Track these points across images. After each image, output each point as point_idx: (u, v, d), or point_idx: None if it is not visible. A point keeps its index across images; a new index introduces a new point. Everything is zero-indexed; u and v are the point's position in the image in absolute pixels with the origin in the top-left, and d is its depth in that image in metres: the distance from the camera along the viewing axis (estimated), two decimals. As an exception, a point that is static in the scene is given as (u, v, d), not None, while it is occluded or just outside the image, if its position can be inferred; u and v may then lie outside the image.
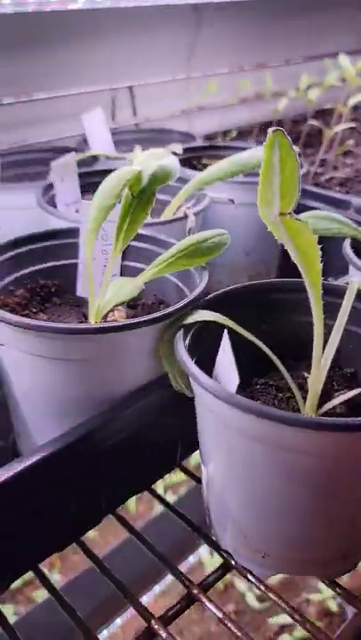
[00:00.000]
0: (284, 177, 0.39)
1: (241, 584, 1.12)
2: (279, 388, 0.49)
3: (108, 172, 0.79)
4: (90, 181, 0.78)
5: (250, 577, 0.47)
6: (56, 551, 0.49)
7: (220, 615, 0.44)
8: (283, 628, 1.06)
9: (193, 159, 0.91)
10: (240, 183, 0.73)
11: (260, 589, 0.47)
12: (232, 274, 0.84)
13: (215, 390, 0.37)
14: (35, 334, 0.43)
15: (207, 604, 0.45)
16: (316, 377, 0.45)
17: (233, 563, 0.48)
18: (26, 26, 1.04)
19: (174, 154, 0.89)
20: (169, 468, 0.58)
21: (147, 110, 1.33)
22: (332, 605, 1.11)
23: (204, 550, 1.14)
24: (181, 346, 0.42)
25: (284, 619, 1.07)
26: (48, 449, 0.42)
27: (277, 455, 0.38)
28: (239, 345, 0.46)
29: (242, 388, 0.50)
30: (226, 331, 0.41)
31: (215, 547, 0.50)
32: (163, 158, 0.54)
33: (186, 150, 0.90)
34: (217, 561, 0.49)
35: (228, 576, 1.14)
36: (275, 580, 1.00)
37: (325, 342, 0.46)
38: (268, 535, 0.44)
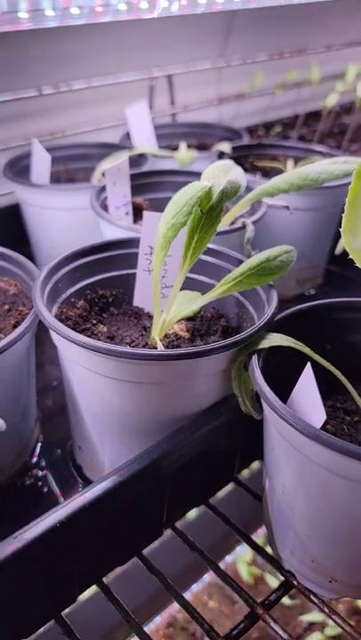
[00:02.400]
0: (373, 207, 0.38)
1: (271, 580, 1.13)
2: (347, 411, 0.49)
3: (156, 173, 0.80)
4: (139, 183, 0.77)
5: (313, 598, 0.48)
6: (120, 564, 0.50)
7: (286, 636, 0.45)
8: (312, 625, 1.08)
9: (240, 158, 0.90)
10: (296, 190, 0.72)
11: (323, 611, 0.47)
12: (281, 277, 0.83)
13: (300, 426, 0.37)
14: (110, 358, 0.43)
15: (272, 624, 0.46)
16: (390, 405, 0.44)
17: (295, 583, 0.48)
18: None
19: (222, 154, 0.88)
20: (226, 482, 0.58)
21: (185, 98, 1.30)
22: (362, 603, 1.12)
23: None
24: (259, 374, 0.42)
25: (315, 617, 1.08)
26: (117, 477, 0.42)
27: (357, 489, 0.38)
28: (303, 363, 0.45)
29: (308, 410, 0.50)
30: (309, 364, 0.40)
31: (277, 566, 0.50)
32: (230, 172, 0.52)
33: (233, 149, 0.89)
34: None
35: (258, 570, 1.15)
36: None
37: None
38: (339, 562, 0.44)
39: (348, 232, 0.40)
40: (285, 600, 1.11)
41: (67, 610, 0.47)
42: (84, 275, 0.57)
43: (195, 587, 1.09)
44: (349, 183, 0.45)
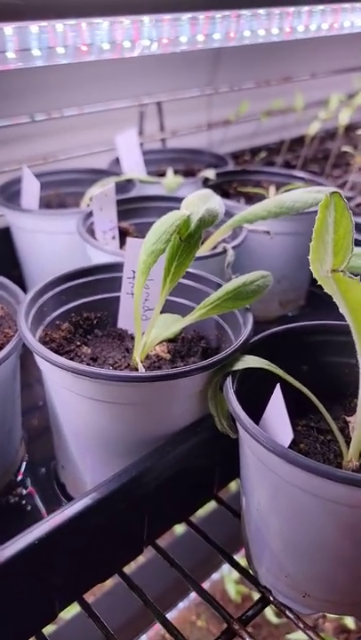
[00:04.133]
0: (338, 236, 0.40)
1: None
2: (320, 431, 0.51)
3: (143, 198, 0.82)
4: (125, 208, 0.80)
5: (288, 613, 0.49)
6: (100, 581, 0.51)
7: (261, 652, 0.46)
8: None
9: (224, 184, 0.93)
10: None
11: (298, 627, 0.48)
12: (263, 300, 0.85)
13: (269, 444, 0.39)
14: (88, 379, 0.45)
15: (247, 639, 0.47)
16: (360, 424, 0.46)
17: (271, 598, 0.50)
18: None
19: (207, 180, 0.91)
20: (206, 500, 0.59)
21: (174, 124, 1.34)
22: (350, 623, 1.12)
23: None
24: (232, 395, 0.44)
25: (301, 636, 1.08)
26: (96, 494, 0.44)
27: (328, 507, 0.39)
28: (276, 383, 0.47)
29: (283, 430, 0.51)
30: (278, 386, 0.42)
31: (254, 582, 0.51)
32: (209, 201, 0.55)
33: (217, 175, 0.92)
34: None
35: (245, 588, 1.15)
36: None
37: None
38: (311, 577, 0.45)
39: (316, 261, 0.42)
40: (273, 619, 1.11)
41: (50, 629, 0.48)
42: (69, 298, 0.59)
43: (182, 605, 1.09)
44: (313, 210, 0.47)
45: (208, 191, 0.57)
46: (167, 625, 0.49)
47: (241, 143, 1.37)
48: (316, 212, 0.84)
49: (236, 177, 0.94)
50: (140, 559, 0.91)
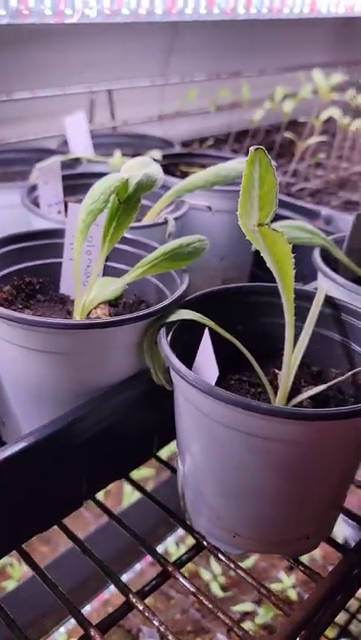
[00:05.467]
0: (263, 192, 0.43)
1: (206, 575, 1.16)
2: (252, 384, 0.54)
3: (89, 175, 0.84)
4: (71, 183, 0.81)
5: (220, 555, 0.51)
6: (40, 532, 0.52)
7: (193, 589, 0.48)
8: (245, 616, 1.11)
9: (171, 166, 0.95)
10: (218, 192, 0.77)
11: (228, 567, 0.51)
12: (207, 277, 0.88)
13: (197, 383, 0.41)
14: (25, 327, 0.46)
15: (181, 579, 0.49)
16: (287, 374, 0.49)
17: (205, 543, 0.52)
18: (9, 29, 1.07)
19: (154, 160, 0.93)
20: (145, 458, 0.61)
21: (125, 114, 1.36)
22: (293, 594, 1.16)
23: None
24: (165, 342, 0.46)
25: (246, 607, 1.12)
26: (32, 438, 0.45)
27: (251, 441, 0.42)
28: (215, 343, 0.50)
29: (217, 384, 0.54)
30: (207, 328, 0.45)
31: (189, 529, 0.54)
32: (148, 166, 0.57)
33: (164, 157, 0.94)
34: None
35: (193, 567, 1.18)
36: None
37: (295, 343, 0.50)
38: (240, 516, 0.48)
39: (244, 216, 0.45)
40: (219, 592, 1.14)
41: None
42: (11, 261, 0.60)
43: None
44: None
45: (148, 158, 0.59)
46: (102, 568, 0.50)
47: (192, 133, 1.40)
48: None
49: (183, 159, 0.96)
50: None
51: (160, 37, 1.38)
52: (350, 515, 0.56)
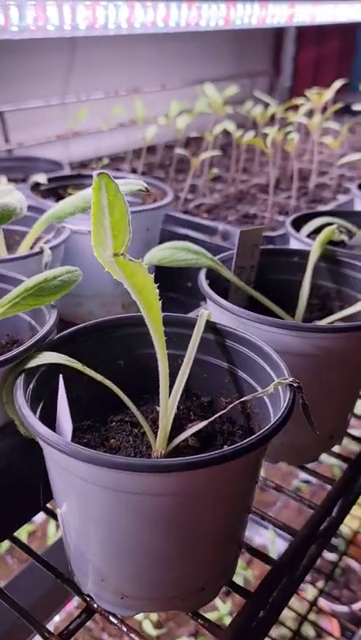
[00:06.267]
0: (115, 219, 0.39)
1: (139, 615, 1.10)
2: (134, 424, 0.49)
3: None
4: None
5: (112, 619, 0.47)
6: None
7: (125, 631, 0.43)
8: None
9: (59, 188, 0.90)
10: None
11: (122, 630, 0.46)
12: (105, 304, 0.84)
13: (53, 441, 0.36)
14: None
15: (67, 655, 0.44)
16: (165, 414, 0.45)
17: (95, 606, 0.47)
18: None
19: (37, 184, 0.88)
20: (33, 513, 0.56)
21: (21, 136, 1.30)
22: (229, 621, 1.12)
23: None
24: (20, 393, 0.41)
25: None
26: None
27: (118, 497, 0.38)
28: (94, 384, 0.45)
29: (97, 428, 0.49)
30: (61, 376, 0.40)
31: (78, 591, 0.48)
32: (7, 196, 0.52)
33: (52, 180, 0.89)
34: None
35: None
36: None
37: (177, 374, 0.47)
38: (124, 576, 0.43)
39: (99, 247, 0.41)
40: (151, 631, 1.08)
41: None
42: None
43: None
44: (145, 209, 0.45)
45: (9, 187, 0.55)
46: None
47: (89, 154, 1.36)
48: (146, 210, 0.83)
49: (72, 181, 0.92)
50: None
51: (59, 54, 1.34)
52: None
